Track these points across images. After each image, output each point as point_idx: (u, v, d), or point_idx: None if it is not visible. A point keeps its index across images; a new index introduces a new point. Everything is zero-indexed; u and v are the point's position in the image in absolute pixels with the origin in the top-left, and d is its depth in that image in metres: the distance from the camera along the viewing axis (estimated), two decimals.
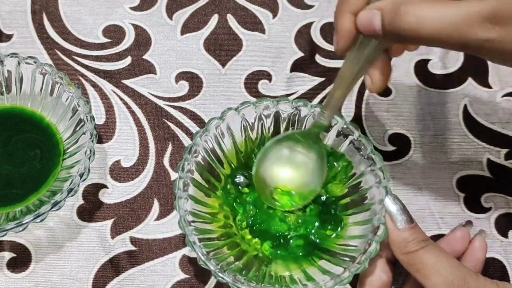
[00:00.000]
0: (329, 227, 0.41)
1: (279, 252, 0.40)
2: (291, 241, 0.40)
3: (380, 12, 0.31)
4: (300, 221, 0.41)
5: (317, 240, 0.41)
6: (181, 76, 0.50)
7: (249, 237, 0.41)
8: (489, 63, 0.50)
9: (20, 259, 0.43)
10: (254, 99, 0.47)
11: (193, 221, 0.38)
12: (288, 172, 0.41)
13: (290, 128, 0.43)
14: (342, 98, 0.37)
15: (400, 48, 0.39)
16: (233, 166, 0.43)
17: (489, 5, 0.28)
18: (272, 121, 0.42)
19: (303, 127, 0.42)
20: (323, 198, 0.42)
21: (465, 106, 0.49)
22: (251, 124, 0.42)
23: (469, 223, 0.40)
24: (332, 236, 0.41)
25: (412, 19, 0.30)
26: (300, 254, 0.40)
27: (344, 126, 0.40)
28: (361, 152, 0.40)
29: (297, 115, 0.42)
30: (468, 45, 0.30)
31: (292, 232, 0.41)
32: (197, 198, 0.40)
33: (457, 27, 0.29)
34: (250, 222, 0.41)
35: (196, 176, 0.40)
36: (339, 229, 0.41)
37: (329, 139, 0.42)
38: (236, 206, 0.42)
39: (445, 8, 0.29)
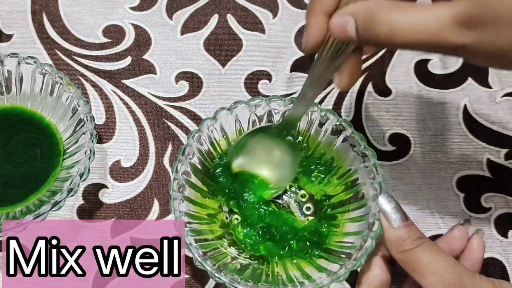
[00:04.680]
0: (325, 224, 0.41)
1: (275, 251, 0.40)
2: (288, 240, 0.41)
3: (354, 18, 0.31)
4: (297, 219, 0.42)
5: (314, 238, 0.41)
6: (181, 76, 0.50)
7: (243, 236, 0.41)
8: None
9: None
10: None
11: (189, 222, 0.38)
12: (263, 162, 0.42)
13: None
14: (314, 94, 0.37)
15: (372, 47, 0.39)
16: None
17: (460, 9, 0.28)
18: (265, 122, 0.42)
19: (297, 126, 0.42)
20: (320, 195, 0.42)
21: (465, 106, 0.49)
22: (244, 125, 0.42)
23: (467, 221, 0.40)
24: (329, 233, 0.41)
25: (386, 27, 0.30)
26: (297, 252, 0.40)
27: (337, 123, 0.41)
28: (355, 149, 0.40)
29: None
30: (443, 49, 0.30)
31: (289, 231, 0.41)
32: (193, 200, 0.40)
33: (431, 33, 0.29)
34: (245, 222, 0.41)
35: (192, 177, 0.40)
36: (336, 226, 0.41)
37: (324, 135, 0.42)
38: (232, 206, 0.42)
39: (417, 14, 0.29)
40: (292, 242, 0.41)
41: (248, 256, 0.40)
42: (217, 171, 0.42)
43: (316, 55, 0.35)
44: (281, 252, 0.40)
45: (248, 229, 0.41)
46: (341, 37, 0.32)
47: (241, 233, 0.41)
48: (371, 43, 0.32)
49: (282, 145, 0.41)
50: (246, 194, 0.42)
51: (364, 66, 0.50)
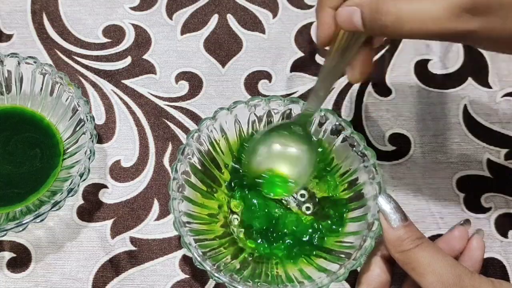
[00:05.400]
0: (326, 225, 0.41)
1: (275, 250, 0.40)
2: (288, 239, 0.41)
3: (360, 9, 0.32)
4: (297, 219, 0.42)
5: (314, 238, 0.41)
6: (181, 76, 0.50)
7: (243, 236, 0.41)
8: (489, 63, 0.50)
9: (20, 259, 0.43)
10: None
11: (189, 222, 0.38)
12: (280, 157, 0.41)
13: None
14: (327, 88, 0.38)
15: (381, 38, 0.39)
16: (228, 167, 0.43)
17: None
18: (265, 122, 0.42)
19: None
20: (320, 196, 0.42)
21: (465, 106, 0.49)
22: (244, 125, 0.42)
23: (467, 221, 0.40)
24: (330, 233, 0.41)
25: (392, 17, 0.30)
26: (297, 252, 0.40)
27: (337, 123, 0.41)
28: (354, 149, 0.40)
29: (290, 113, 0.42)
30: (450, 37, 0.30)
31: (288, 231, 0.41)
32: (193, 199, 0.40)
33: (438, 21, 0.29)
34: (245, 222, 0.41)
35: (192, 177, 0.40)
36: (337, 226, 0.41)
37: (324, 135, 0.42)
38: (232, 205, 0.42)
39: (422, 3, 0.29)
40: (291, 242, 0.41)
41: (247, 256, 0.40)
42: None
43: (327, 50, 0.36)
44: (281, 252, 0.40)
45: (248, 229, 0.41)
46: (348, 28, 0.33)
47: (241, 233, 0.41)
48: (378, 33, 0.32)
49: (300, 142, 0.40)
50: (263, 189, 0.41)
51: None
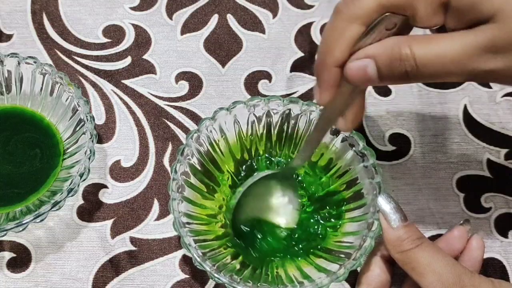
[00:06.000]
0: (327, 224, 0.41)
1: (275, 251, 0.40)
2: (288, 239, 0.41)
3: (373, 60, 0.30)
4: (297, 219, 0.42)
5: (314, 239, 0.41)
6: (181, 76, 0.50)
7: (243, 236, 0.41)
8: None
9: (20, 259, 0.43)
10: None
11: (189, 223, 0.38)
12: (270, 207, 0.41)
13: (283, 127, 0.43)
14: (312, 149, 0.37)
15: None
16: (227, 167, 0.43)
17: (485, 36, 0.28)
18: (264, 123, 0.42)
19: (296, 125, 0.42)
20: (320, 196, 0.42)
21: (465, 106, 0.49)
22: (243, 125, 0.42)
23: (466, 221, 0.40)
24: (329, 233, 0.41)
25: (411, 63, 0.29)
26: (297, 252, 0.40)
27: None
28: (353, 148, 0.40)
29: (289, 113, 0.42)
30: (473, 76, 0.29)
31: (288, 231, 0.41)
32: (192, 200, 0.40)
33: (458, 63, 0.28)
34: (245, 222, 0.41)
35: (192, 178, 0.40)
36: (336, 226, 0.41)
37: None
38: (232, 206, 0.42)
39: (440, 46, 0.29)
40: (291, 242, 0.41)
41: (247, 256, 0.40)
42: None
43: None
44: (281, 252, 0.40)
45: (248, 229, 0.41)
46: (360, 82, 0.31)
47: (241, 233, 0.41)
48: (397, 81, 0.31)
49: (288, 190, 0.41)
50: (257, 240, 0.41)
51: None
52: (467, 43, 0.28)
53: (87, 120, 0.42)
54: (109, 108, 0.48)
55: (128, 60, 0.50)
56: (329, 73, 0.32)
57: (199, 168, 0.41)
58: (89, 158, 0.41)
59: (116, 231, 0.44)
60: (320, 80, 0.32)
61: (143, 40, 0.51)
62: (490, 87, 0.49)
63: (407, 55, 0.29)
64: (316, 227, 0.41)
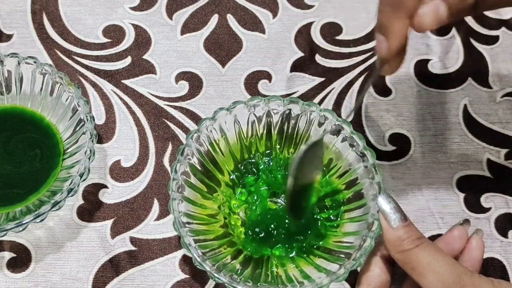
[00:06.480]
0: (327, 224, 0.41)
1: (275, 250, 0.40)
2: (288, 239, 0.41)
3: (443, 1, 0.31)
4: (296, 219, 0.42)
5: (314, 238, 0.41)
6: (181, 76, 0.50)
7: (243, 236, 0.41)
8: (489, 63, 0.50)
9: (20, 259, 0.43)
10: None
11: (189, 223, 0.38)
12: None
13: (284, 127, 0.43)
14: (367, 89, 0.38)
15: None
16: (227, 167, 0.43)
17: None
18: (264, 123, 0.42)
19: (296, 125, 0.42)
20: (320, 196, 0.42)
21: (465, 106, 0.49)
22: (243, 125, 0.42)
23: (466, 221, 0.40)
24: (329, 233, 0.41)
25: None
26: (297, 252, 0.40)
27: (336, 123, 0.41)
28: (353, 149, 0.40)
29: (289, 113, 0.42)
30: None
31: (288, 231, 0.41)
32: (192, 200, 0.40)
33: None
34: (246, 222, 0.41)
35: (192, 177, 0.40)
36: (336, 226, 0.41)
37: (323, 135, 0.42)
38: (232, 206, 0.42)
39: None
40: (291, 241, 0.41)
41: (247, 256, 0.40)
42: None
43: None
44: (281, 252, 0.40)
45: (247, 229, 0.41)
46: (433, 25, 0.32)
47: (241, 233, 0.41)
48: (463, 16, 0.33)
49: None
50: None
51: (364, 66, 0.50)
52: None
53: (87, 120, 0.42)
54: (109, 108, 0.48)
55: (128, 60, 0.50)
56: (402, 24, 0.32)
57: (199, 168, 0.41)
58: (89, 158, 0.41)
59: (116, 231, 0.44)
60: (390, 32, 0.33)
61: (143, 40, 0.51)
62: (490, 87, 0.49)
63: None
64: (316, 226, 0.41)
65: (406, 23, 0.32)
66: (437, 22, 0.32)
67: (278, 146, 0.44)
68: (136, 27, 0.51)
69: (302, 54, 0.51)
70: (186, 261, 0.43)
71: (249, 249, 0.40)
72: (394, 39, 0.33)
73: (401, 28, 0.33)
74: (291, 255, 0.40)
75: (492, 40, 0.52)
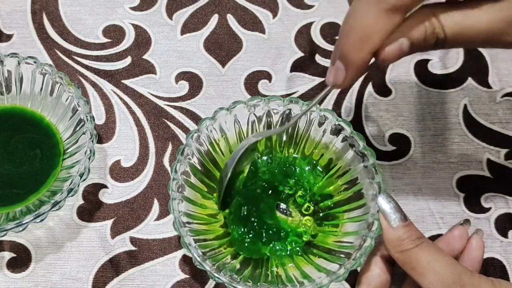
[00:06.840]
0: (325, 224, 0.41)
1: (275, 250, 0.40)
2: (288, 239, 0.41)
3: (407, 38, 0.31)
4: (296, 219, 0.42)
5: (314, 238, 0.41)
6: (181, 76, 0.50)
7: (243, 236, 0.41)
8: (489, 63, 0.50)
9: (20, 259, 0.43)
10: None
11: (189, 222, 0.38)
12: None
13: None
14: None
15: None
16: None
17: (510, 9, 0.30)
18: (265, 123, 0.42)
19: (296, 125, 0.42)
20: (320, 196, 0.42)
21: (465, 106, 0.49)
22: (244, 125, 0.42)
23: (466, 221, 0.40)
24: (329, 233, 0.41)
25: (442, 35, 0.31)
26: (296, 252, 0.40)
27: (336, 123, 0.41)
28: (353, 148, 0.40)
29: (289, 113, 0.42)
30: (498, 46, 0.32)
31: (288, 230, 0.41)
32: (192, 200, 0.40)
33: (491, 34, 0.31)
34: (245, 222, 0.41)
35: (192, 177, 0.40)
36: (335, 226, 0.41)
37: (323, 135, 0.42)
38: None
39: (469, 17, 0.30)
40: (291, 241, 0.41)
41: (247, 256, 0.40)
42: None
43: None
44: (281, 251, 0.40)
45: (247, 229, 0.41)
46: (394, 60, 0.32)
47: (241, 233, 0.41)
48: (426, 50, 0.33)
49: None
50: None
51: None
52: (493, 17, 0.30)
53: (87, 120, 0.42)
54: (109, 108, 0.48)
55: (128, 60, 0.50)
56: (364, 59, 0.32)
57: (199, 168, 0.41)
58: (89, 158, 0.41)
59: (116, 231, 0.44)
60: (349, 65, 0.32)
61: (143, 40, 0.51)
62: (490, 87, 0.49)
63: (438, 28, 0.31)
64: (316, 226, 0.41)
65: (370, 58, 0.32)
66: (400, 57, 0.32)
67: (278, 146, 0.44)
68: (136, 27, 0.51)
69: (302, 54, 0.51)
70: (186, 261, 0.43)
71: (245, 251, 0.40)
72: (355, 71, 0.32)
73: (365, 62, 0.32)
74: (287, 253, 0.40)
75: None
